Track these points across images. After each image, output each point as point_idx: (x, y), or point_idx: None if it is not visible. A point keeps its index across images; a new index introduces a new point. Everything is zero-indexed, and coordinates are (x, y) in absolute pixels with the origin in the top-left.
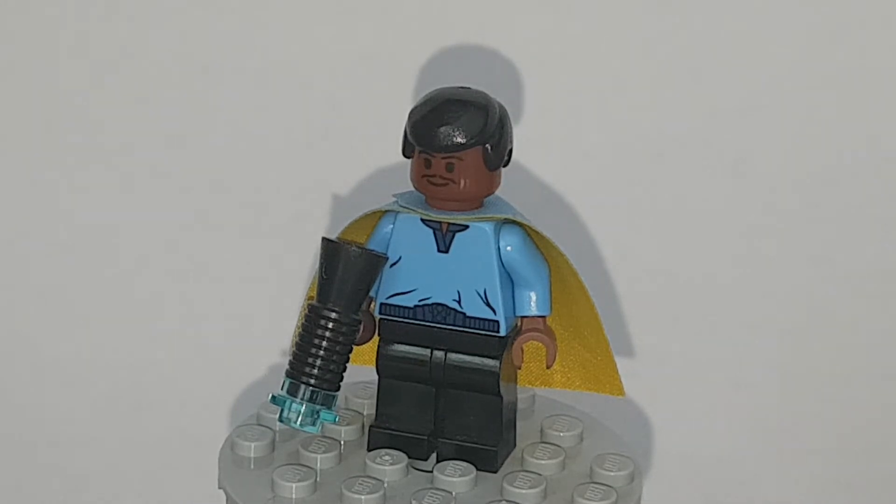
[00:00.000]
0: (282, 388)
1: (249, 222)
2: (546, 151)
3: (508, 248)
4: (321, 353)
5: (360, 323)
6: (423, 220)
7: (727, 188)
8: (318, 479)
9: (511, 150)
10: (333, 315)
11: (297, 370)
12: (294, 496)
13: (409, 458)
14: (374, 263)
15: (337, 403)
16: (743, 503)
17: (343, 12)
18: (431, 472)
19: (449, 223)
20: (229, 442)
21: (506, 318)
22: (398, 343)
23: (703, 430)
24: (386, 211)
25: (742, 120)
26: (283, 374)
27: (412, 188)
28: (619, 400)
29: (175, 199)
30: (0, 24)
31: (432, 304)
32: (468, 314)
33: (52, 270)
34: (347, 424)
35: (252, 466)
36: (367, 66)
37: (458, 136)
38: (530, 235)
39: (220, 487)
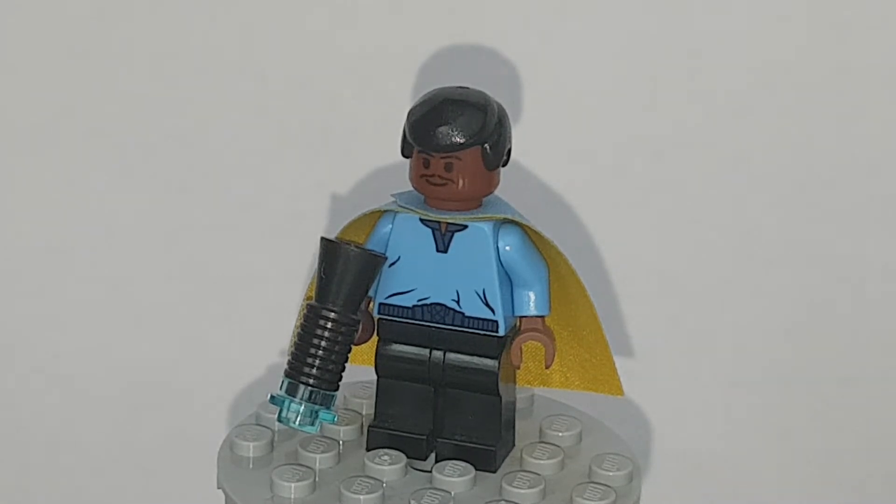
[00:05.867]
0: (280, 388)
1: (248, 222)
2: (545, 151)
3: (507, 247)
4: (320, 352)
5: (359, 323)
6: (421, 219)
7: (727, 188)
8: (316, 478)
9: (510, 150)
10: (332, 315)
11: (295, 370)
12: (293, 496)
13: (408, 457)
14: (373, 263)
15: (336, 403)
16: (742, 503)
17: (343, 12)
18: (430, 471)
19: (448, 223)
20: (228, 442)
21: (504, 318)
22: (397, 343)
23: (702, 430)
24: (385, 211)
25: (742, 120)
26: (282, 374)
27: (411, 188)
28: (618, 400)
29: (174, 199)
30: (0, 24)
31: (431, 303)
32: (467, 314)
33: (52, 270)
34: (346, 424)
35: (251, 466)
36: (367, 66)
37: (456, 136)
38: (529, 235)
39: (218, 487)
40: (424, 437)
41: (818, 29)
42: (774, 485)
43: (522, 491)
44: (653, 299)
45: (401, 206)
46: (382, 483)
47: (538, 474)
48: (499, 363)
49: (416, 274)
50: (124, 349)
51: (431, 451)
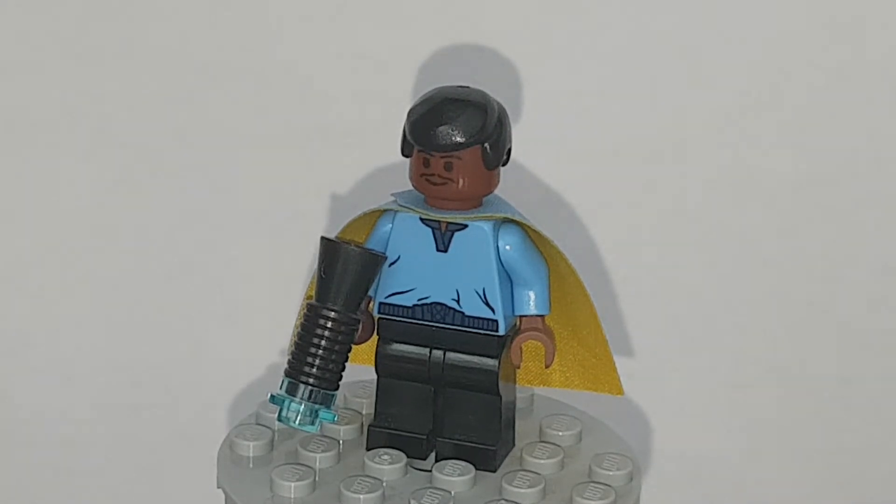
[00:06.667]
0: (280, 388)
1: (249, 222)
2: (545, 151)
3: (507, 247)
4: (320, 352)
5: (359, 322)
6: (421, 219)
7: (727, 188)
8: (316, 478)
9: (510, 150)
10: (332, 314)
11: (295, 369)
12: (293, 496)
13: (408, 457)
14: (373, 262)
15: (336, 403)
16: (742, 503)
17: (343, 12)
18: (430, 471)
19: (448, 222)
20: (228, 441)
21: (504, 318)
22: (397, 342)
23: (702, 430)
24: (385, 210)
25: (742, 120)
26: (282, 374)
27: (411, 187)
28: (618, 399)
29: (174, 199)
30: (0, 23)
31: (431, 303)
32: (467, 313)
33: (52, 270)
34: (346, 424)
35: (251, 466)
36: (367, 66)
37: (456, 136)
38: (529, 235)
39: (218, 487)
40: (424, 437)
41: (818, 29)
42: (774, 485)
43: (522, 490)
44: (653, 299)
45: (401, 206)
46: (382, 482)
47: (538, 474)
48: (499, 363)
49: (416, 273)
50: (124, 349)
51: (431, 451)
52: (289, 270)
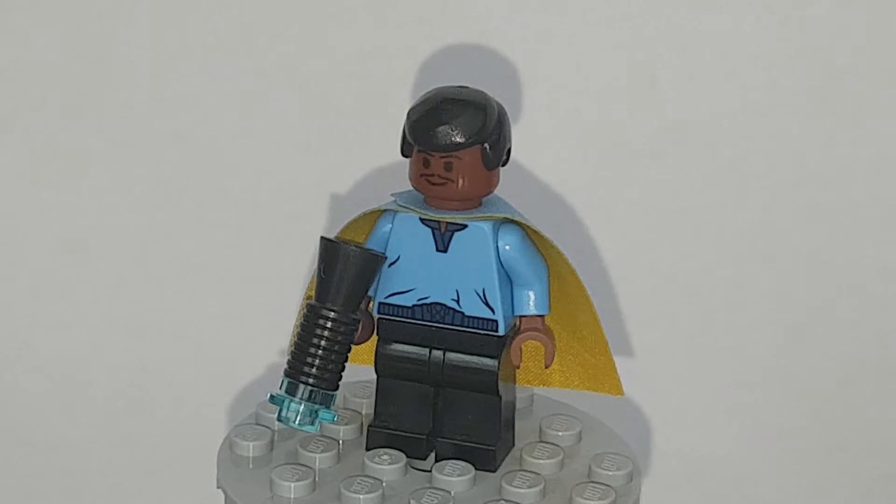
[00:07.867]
0: (280, 388)
1: (248, 222)
2: (545, 151)
3: (507, 247)
4: (320, 352)
5: (359, 322)
6: (421, 219)
7: (727, 188)
8: (316, 478)
9: (510, 150)
10: (332, 314)
11: (295, 369)
12: (293, 496)
13: (408, 457)
14: (373, 263)
15: (335, 403)
16: (742, 503)
17: (343, 12)
18: (430, 471)
19: (447, 222)
20: (228, 441)
21: (504, 318)
22: (397, 342)
23: (701, 430)
24: (384, 210)
25: (742, 120)
26: (282, 374)
27: (411, 187)
28: (618, 399)
29: (174, 199)
30: (0, 23)
31: (431, 303)
32: (467, 313)
33: (52, 270)
34: (346, 424)
35: (251, 466)
36: (367, 66)
37: (456, 136)
38: (529, 235)
39: (218, 487)
40: (424, 437)
41: (817, 29)
42: (774, 485)
43: (522, 490)
44: (653, 299)
45: (400, 206)
46: (382, 483)
47: (538, 474)
48: (498, 363)
49: (416, 273)
50: (124, 349)
51: (431, 451)
52: (289, 270)
